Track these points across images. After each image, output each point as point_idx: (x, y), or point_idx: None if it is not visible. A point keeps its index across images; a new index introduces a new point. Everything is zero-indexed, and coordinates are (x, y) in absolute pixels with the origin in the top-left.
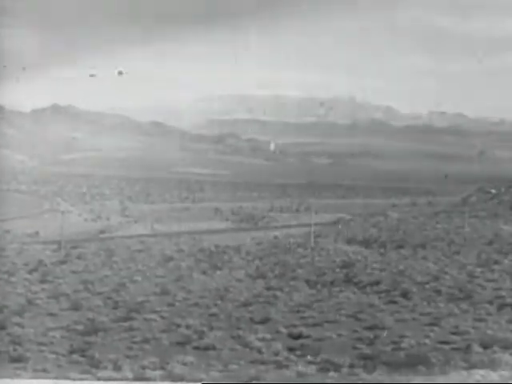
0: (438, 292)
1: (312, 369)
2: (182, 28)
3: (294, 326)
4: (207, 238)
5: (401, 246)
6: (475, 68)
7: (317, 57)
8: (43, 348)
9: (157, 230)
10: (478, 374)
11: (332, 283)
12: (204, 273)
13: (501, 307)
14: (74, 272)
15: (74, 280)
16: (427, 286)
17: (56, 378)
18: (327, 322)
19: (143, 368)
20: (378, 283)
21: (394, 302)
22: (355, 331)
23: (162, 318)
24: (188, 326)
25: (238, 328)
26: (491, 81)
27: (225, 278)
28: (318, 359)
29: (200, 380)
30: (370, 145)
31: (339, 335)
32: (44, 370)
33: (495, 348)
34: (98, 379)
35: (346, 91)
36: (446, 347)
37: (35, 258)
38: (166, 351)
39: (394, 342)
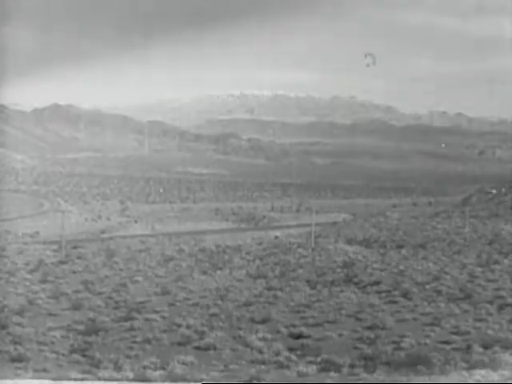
0: (439, 292)
1: (312, 369)
2: (182, 28)
3: (295, 325)
4: (208, 238)
5: (401, 246)
6: (475, 68)
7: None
8: (44, 348)
9: (157, 230)
10: (479, 374)
11: (332, 283)
12: (204, 273)
13: (501, 307)
14: (74, 272)
15: (75, 280)
16: (427, 286)
17: (56, 377)
18: (328, 321)
19: (144, 368)
20: (378, 283)
21: (395, 302)
22: (356, 331)
23: (163, 317)
24: (188, 326)
25: (239, 328)
26: (491, 81)
27: (225, 277)
28: (319, 359)
29: (200, 380)
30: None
31: (340, 335)
32: (44, 370)
33: (496, 348)
34: (99, 379)
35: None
36: (447, 347)
37: (36, 258)
38: (167, 351)
39: (395, 342)
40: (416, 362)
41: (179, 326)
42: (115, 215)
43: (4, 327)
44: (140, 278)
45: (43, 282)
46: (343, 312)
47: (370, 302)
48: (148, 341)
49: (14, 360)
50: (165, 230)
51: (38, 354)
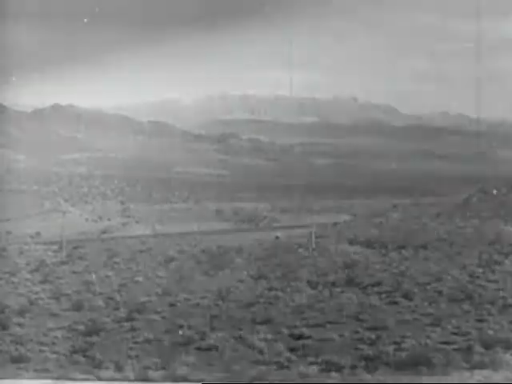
0: (440, 293)
1: (313, 369)
2: (182, 28)
3: (296, 326)
4: (209, 239)
5: (402, 247)
6: (476, 68)
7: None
8: (44, 348)
9: (158, 231)
10: (480, 375)
11: (333, 284)
12: (205, 273)
13: (502, 308)
14: (75, 272)
15: (76, 280)
16: (428, 287)
17: (57, 378)
18: (329, 322)
19: (145, 368)
20: (379, 284)
21: (396, 303)
22: (357, 332)
23: (164, 318)
24: (189, 327)
25: (240, 328)
26: (491, 81)
27: (226, 278)
28: (320, 360)
29: (201, 380)
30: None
31: (341, 336)
32: (45, 370)
33: (497, 348)
34: (100, 379)
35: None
36: (448, 348)
37: (36, 259)
38: (168, 352)
39: (396, 343)
40: (417, 363)
41: (180, 326)
42: (116, 215)
43: (5, 327)
44: (141, 279)
45: (44, 282)
46: (344, 313)
47: (371, 303)
48: (149, 341)
49: (14, 360)
50: (166, 230)
51: (38, 355)
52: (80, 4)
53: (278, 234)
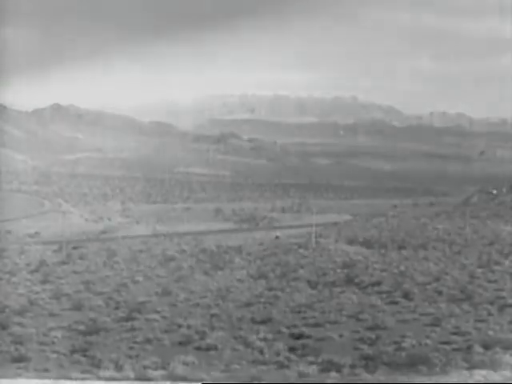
0: (439, 293)
1: (313, 369)
2: (182, 30)
3: (295, 326)
4: (208, 239)
5: (402, 247)
6: (476, 68)
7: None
8: (45, 348)
9: (158, 231)
10: (479, 375)
11: (333, 283)
12: (205, 273)
13: (502, 308)
14: (75, 272)
15: (76, 280)
16: (428, 287)
17: (57, 377)
18: (328, 322)
19: (145, 368)
20: (379, 284)
21: (395, 303)
22: (356, 331)
23: (164, 318)
24: (189, 326)
25: (240, 328)
26: (491, 81)
27: (226, 278)
28: (320, 359)
29: (201, 380)
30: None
31: (340, 335)
32: (45, 370)
33: (496, 348)
34: (100, 379)
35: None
36: (447, 347)
37: (37, 259)
38: (168, 351)
39: (396, 343)
40: (417, 362)
41: (180, 326)
42: (116, 215)
43: (5, 327)
44: (141, 278)
45: (44, 282)
46: (344, 312)
47: (371, 303)
48: (149, 341)
49: (15, 360)
50: (166, 230)
51: (39, 354)
52: (81, 5)
53: (278, 233)
